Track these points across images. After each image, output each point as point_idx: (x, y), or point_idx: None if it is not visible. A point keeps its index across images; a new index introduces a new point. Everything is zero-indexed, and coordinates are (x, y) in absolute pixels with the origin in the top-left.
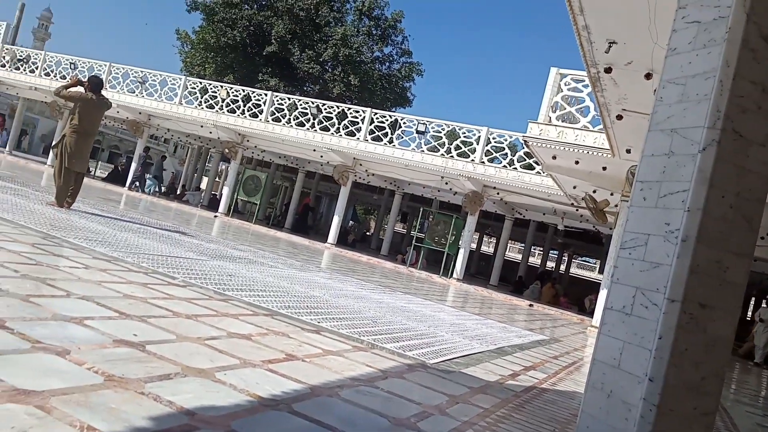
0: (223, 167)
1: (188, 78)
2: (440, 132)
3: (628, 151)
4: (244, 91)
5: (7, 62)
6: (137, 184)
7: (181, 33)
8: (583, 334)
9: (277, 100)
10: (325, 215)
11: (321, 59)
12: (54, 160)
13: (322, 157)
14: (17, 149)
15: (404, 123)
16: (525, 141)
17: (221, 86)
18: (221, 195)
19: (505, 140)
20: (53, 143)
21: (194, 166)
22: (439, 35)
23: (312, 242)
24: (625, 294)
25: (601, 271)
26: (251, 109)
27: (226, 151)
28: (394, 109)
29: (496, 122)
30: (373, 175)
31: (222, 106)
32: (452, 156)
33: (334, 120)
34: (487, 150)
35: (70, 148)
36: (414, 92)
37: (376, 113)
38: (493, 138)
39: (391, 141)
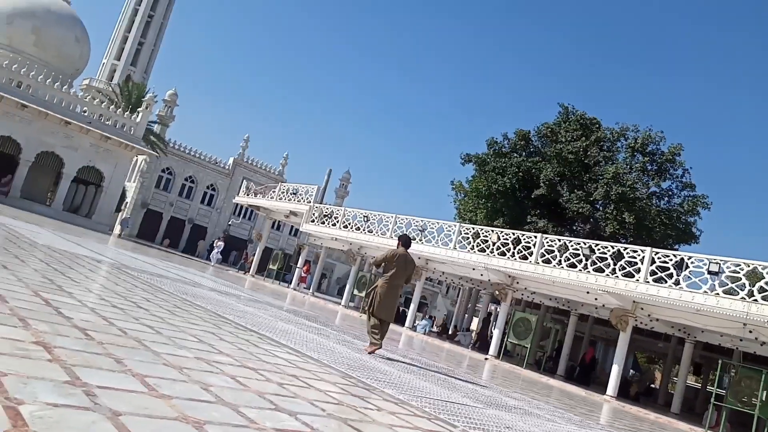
0: (493, 308)
1: (462, 224)
2: (738, 272)
3: None
4: (513, 234)
5: (316, 218)
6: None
7: (456, 183)
8: None
9: (547, 242)
10: (601, 362)
11: (591, 198)
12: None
13: (596, 299)
14: (317, 290)
15: (692, 262)
16: None
17: (492, 230)
18: (491, 336)
19: None
20: (366, 291)
21: (465, 307)
22: (732, 164)
23: (588, 393)
24: None
25: None
26: (521, 252)
27: (496, 292)
28: (677, 247)
29: None
30: (657, 320)
31: (492, 249)
32: (755, 300)
33: (609, 261)
34: None
35: (380, 297)
36: (700, 228)
37: (657, 252)
38: None
39: (677, 282)
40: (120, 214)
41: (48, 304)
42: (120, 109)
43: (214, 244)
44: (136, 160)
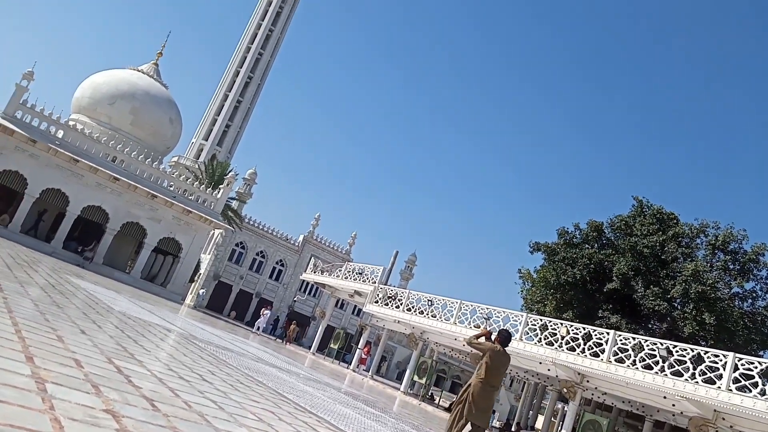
0: (560, 406)
1: (529, 315)
2: None
3: None
4: (584, 329)
5: (380, 299)
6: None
7: (524, 272)
8: None
9: (620, 340)
10: None
11: (668, 296)
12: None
13: (674, 405)
14: (377, 373)
15: None
16: None
17: (561, 323)
18: None
19: None
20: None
21: (530, 403)
22: None
23: None
24: None
25: None
26: (592, 348)
27: (564, 390)
28: (761, 354)
29: None
30: None
31: (561, 343)
32: None
33: (688, 364)
34: None
35: (474, 398)
36: None
37: (740, 358)
38: None
39: (762, 393)
40: (193, 285)
41: (120, 371)
42: (203, 185)
43: (261, 313)
44: (213, 233)
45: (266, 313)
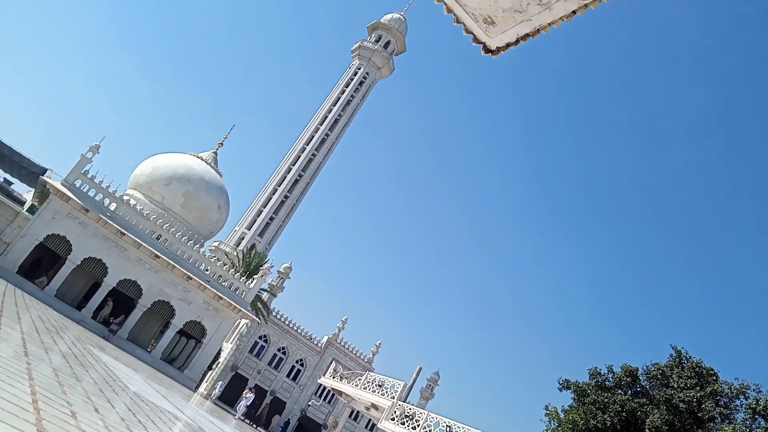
0: None
1: None
2: None
3: None
4: None
5: (397, 416)
6: None
7: (551, 410)
8: None
9: None
10: None
11: None
12: None
13: None
14: None
15: None
16: None
17: None
18: None
19: None
20: None
21: None
22: None
23: None
24: None
25: None
26: None
27: None
28: None
29: None
30: None
31: None
32: None
33: None
34: None
35: None
36: None
37: None
38: None
39: None
40: (210, 373)
41: None
42: (238, 273)
43: (244, 395)
44: (239, 322)
45: (249, 396)
